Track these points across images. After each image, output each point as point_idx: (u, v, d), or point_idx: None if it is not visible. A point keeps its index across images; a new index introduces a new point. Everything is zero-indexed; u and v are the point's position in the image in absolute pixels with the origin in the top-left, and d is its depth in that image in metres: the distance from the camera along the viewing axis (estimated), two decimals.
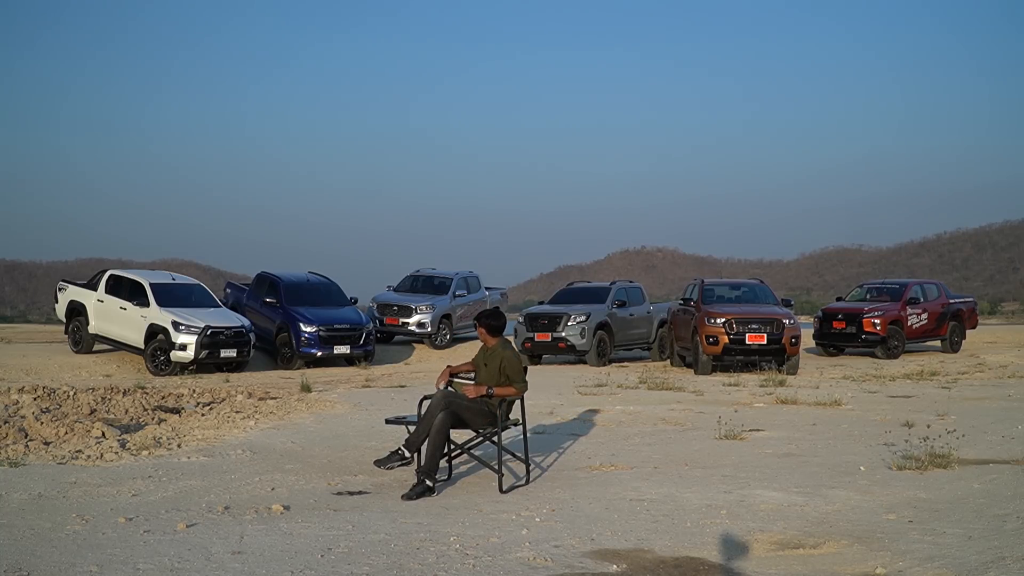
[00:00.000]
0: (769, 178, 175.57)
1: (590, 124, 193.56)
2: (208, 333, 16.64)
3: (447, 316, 21.65)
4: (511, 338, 18.54)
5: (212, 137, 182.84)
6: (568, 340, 18.88)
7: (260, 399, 11.73)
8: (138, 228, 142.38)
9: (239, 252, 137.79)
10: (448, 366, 7.06)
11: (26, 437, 8.12)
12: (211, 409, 10.46)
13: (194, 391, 12.76)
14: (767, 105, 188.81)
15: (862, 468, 7.16)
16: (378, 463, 6.59)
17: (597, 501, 6.11)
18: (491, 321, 6.88)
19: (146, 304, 16.97)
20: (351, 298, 20.47)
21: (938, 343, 21.65)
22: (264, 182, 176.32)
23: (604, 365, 18.91)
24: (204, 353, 16.59)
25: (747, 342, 16.60)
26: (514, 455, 7.11)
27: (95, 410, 9.91)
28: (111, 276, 17.94)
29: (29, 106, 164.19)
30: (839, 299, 22.32)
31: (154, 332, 16.67)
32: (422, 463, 6.38)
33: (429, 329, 21.09)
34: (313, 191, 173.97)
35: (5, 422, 8.49)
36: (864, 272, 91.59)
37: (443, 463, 6.74)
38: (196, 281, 18.98)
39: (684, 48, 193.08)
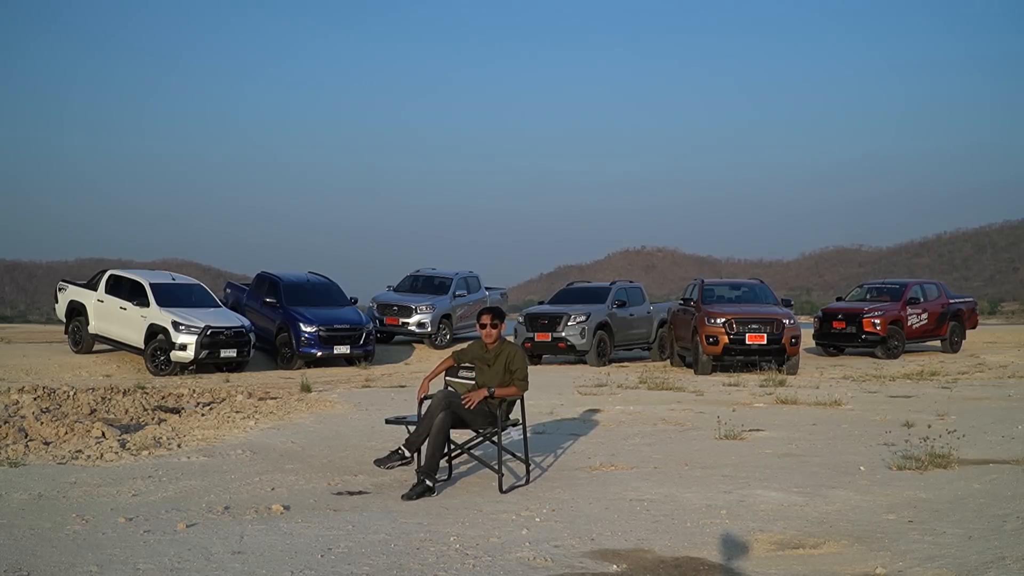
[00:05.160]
0: (769, 178, 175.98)
1: (590, 124, 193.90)
2: (208, 333, 16.63)
3: (447, 316, 21.66)
4: (511, 338, 18.56)
5: (212, 137, 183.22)
6: (568, 340, 18.87)
7: (260, 399, 11.73)
8: (138, 228, 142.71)
9: (239, 252, 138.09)
10: (426, 378, 6.97)
11: (26, 437, 8.12)
12: (211, 409, 10.46)
13: (194, 391, 12.76)
14: (767, 105, 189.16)
15: (862, 468, 7.16)
16: (378, 463, 6.58)
17: (597, 501, 6.11)
18: (500, 312, 6.82)
19: (146, 304, 16.96)
20: (351, 298, 20.46)
21: (938, 343, 21.64)
22: (264, 182, 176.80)
23: (604, 365, 18.91)
24: (204, 353, 16.58)
25: (747, 342, 16.60)
26: (514, 455, 7.11)
27: (95, 410, 9.91)
28: (111, 276, 17.94)
29: (29, 106, 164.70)
30: (839, 299, 22.31)
31: (154, 332, 16.66)
32: (422, 463, 6.37)
33: (429, 329, 21.09)
34: (313, 191, 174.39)
35: (5, 422, 8.49)
36: (864, 272, 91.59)
37: (443, 463, 6.73)
38: (196, 281, 18.97)
39: (684, 48, 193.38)
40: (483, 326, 6.75)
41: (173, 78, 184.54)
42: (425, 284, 22.45)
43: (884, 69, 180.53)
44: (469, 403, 6.49)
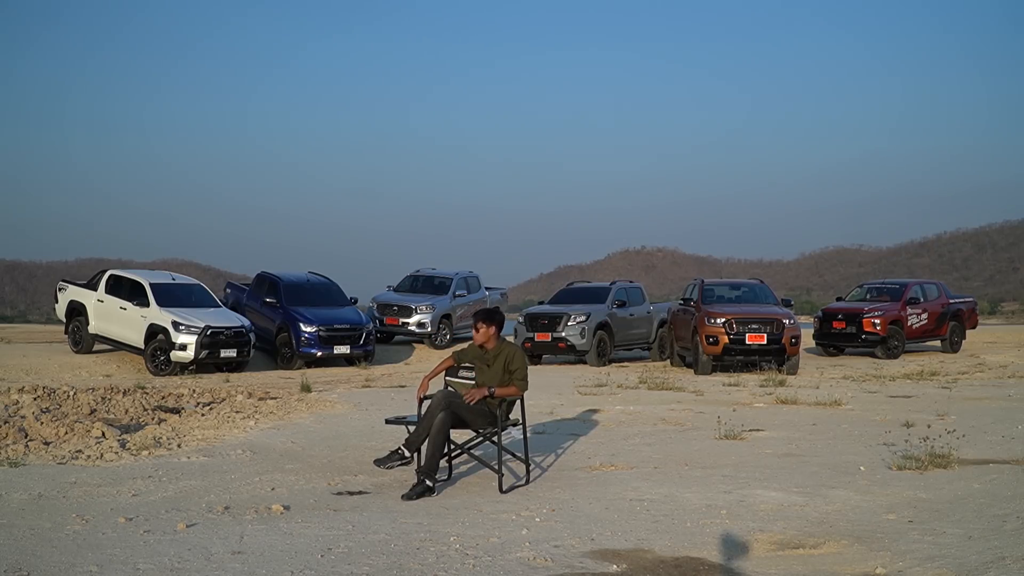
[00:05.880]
0: (769, 178, 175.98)
1: (590, 124, 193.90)
2: (208, 333, 16.63)
3: (447, 316, 21.66)
4: (511, 337, 18.56)
5: (213, 137, 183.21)
6: (568, 340, 18.88)
7: (260, 399, 11.73)
8: (138, 228, 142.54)
9: (239, 252, 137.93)
10: (426, 377, 6.96)
11: (26, 437, 8.12)
12: (211, 409, 10.46)
13: (194, 391, 12.75)
14: (767, 105, 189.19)
15: (862, 468, 7.16)
16: (378, 463, 6.59)
17: (597, 501, 6.11)
18: (491, 315, 6.80)
19: (146, 304, 16.96)
20: (351, 298, 20.47)
21: (938, 343, 21.64)
22: (264, 182, 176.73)
23: (604, 365, 18.91)
24: (204, 353, 16.58)
25: (747, 342, 16.60)
26: (514, 455, 7.11)
27: (95, 410, 9.91)
28: (111, 276, 17.94)
29: (30, 106, 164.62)
30: (839, 299, 22.32)
31: (154, 332, 16.66)
32: (422, 463, 6.37)
33: (429, 329, 21.10)
34: (313, 191, 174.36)
35: (5, 422, 8.49)
36: (864, 272, 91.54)
37: (443, 463, 6.73)
38: (196, 281, 18.97)
39: (684, 48, 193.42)
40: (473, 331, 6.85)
41: (174, 78, 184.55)
42: (425, 284, 22.46)
43: (884, 69, 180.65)
44: (470, 399, 6.49)
